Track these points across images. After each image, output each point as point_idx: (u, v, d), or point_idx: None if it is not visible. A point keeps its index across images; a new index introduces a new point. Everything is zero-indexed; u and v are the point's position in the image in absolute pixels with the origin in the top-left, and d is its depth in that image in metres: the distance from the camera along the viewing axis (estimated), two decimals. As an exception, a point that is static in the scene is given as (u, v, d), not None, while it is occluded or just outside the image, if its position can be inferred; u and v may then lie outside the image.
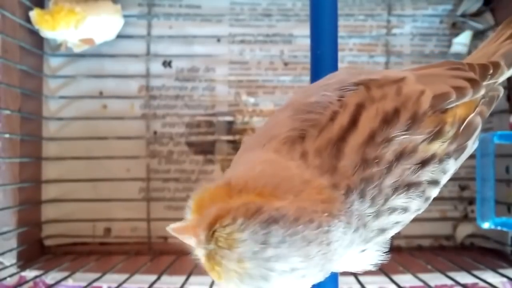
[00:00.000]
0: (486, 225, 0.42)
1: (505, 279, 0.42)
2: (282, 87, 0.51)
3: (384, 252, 0.24)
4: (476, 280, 0.41)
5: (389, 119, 0.23)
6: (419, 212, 0.25)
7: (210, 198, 0.21)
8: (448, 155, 0.25)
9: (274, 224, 0.19)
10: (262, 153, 0.23)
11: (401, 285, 0.39)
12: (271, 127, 0.24)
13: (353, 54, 0.51)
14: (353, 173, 0.21)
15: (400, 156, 0.23)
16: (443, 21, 0.51)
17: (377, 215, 0.22)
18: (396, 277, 0.41)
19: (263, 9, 0.51)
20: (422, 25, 0.51)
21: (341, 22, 0.51)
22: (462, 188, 0.51)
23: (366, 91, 0.24)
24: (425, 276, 0.41)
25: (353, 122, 0.22)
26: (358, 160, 0.22)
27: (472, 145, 0.27)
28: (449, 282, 0.41)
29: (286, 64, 0.51)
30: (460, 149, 0.26)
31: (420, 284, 0.40)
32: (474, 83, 0.26)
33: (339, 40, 0.33)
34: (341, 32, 0.50)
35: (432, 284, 0.40)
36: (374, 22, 0.51)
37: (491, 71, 0.28)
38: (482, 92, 0.27)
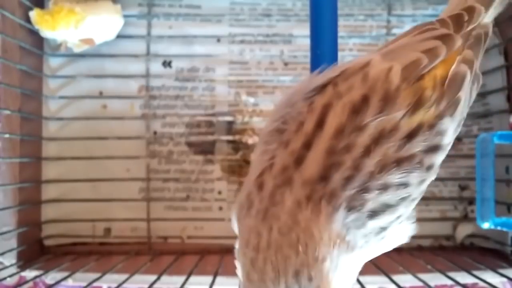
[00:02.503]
0: (486, 225, 0.42)
1: (505, 279, 0.42)
2: (282, 87, 0.51)
3: (412, 223, 0.25)
4: (476, 280, 0.41)
5: (357, 109, 0.22)
6: (428, 182, 0.25)
7: None
8: (439, 117, 0.24)
9: None
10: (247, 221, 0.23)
11: (401, 285, 0.39)
12: (249, 174, 0.24)
13: (353, 54, 0.51)
14: (313, 167, 0.21)
15: (379, 137, 0.22)
16: (443, 21, 0.51)
17: (365, 190, 0.22)
18: (396, 277, 0.41)
19: (263, 9, 0.51)
20: (422, 25, 0.51)
21: (341, 22, 0.51)
22: (462, 188, 0.51)
23: (333, 89, 0.23)
24: (425, 276, 0.41)
25: (319, 124, 0.22)
26: (321, 156, 0.22)
27: (467, 94, 0.26)
28: (449, 282, 0.41)
29: (286, 64, 0.51)
30: (453, 104, 0.25)
31: (420, 284, 0.40)
32: (447, 38, 0.25)
33: (339, 40, 0.33)
34: (341, 32, 0.50)
35: (432, 284, 0.40)
36: (374, 22, 0.51)
37: (466, 18, 0.27)
38: (458, 43, 0.26)
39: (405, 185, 0.23)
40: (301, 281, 0.20)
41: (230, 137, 0.50)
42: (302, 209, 0.21)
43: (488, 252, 0.48)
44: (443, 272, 0.41)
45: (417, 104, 0.23)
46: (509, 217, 0.45)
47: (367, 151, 0.22)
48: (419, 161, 0.23)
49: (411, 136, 0.23)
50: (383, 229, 0.23)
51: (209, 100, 0.51)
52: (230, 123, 0.51)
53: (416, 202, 0.25)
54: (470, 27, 0.27)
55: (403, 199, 0.23)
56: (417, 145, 0.23)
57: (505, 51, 0.48)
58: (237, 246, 0.23)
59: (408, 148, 0.23)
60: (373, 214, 0.22)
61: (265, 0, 0.51)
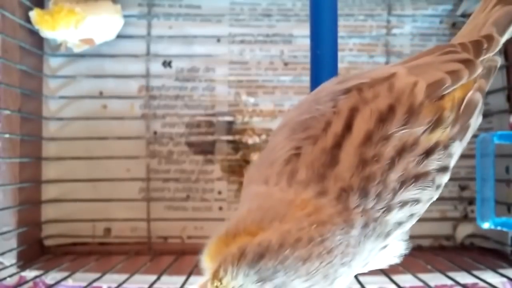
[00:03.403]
0: (486, 225, 0.42)
1: (505, 279, 0.42)
2: (282, 87, 0.51)
3: (406, 241, 0.25)
4: (476, 280, 0.41)
5: (384, 117, 0.23)
6: (432, 201, 0.25)
7: (215, 252, 0.21)
8: (452, 139, 0.25)
9: (260, 260, 0.19)
10: (252, 189, 0.23)
11: (401, 285, 0.40)
12: (270, 152, 0.24)
13: (353, 54, 0.51)
14: (351, 175, 0.21)
15: (402, 150, 0.22)
16: (443, 21, 0.51)
17: (388, 209, 0.22)
18: (396, 277, 0.41)
19: (263, 9, 0.52)
20: (422, 25, 0.51)
21: (341, 22, 0.51)
22: (462, 188, 0.51)
23: (358, 94, 0.24)
24: (425, 276, 0.41)
25: (348, 127, 0.23)
26: (355, 162, 0.22)
27: (475, 122, 0.27)
28: (449, 282, 0.41)
29: (286, 64, 0.51)
30: (464, 129, 0.25)
31: (420, 284, 0.40)
32: (469, 64, 0.26)
33: (339, 40, 0.33)
34: (341, 32, 0.50)
35: (432, 284, 0.40)
36: (374, 22, 0.51)
37: (485, 46, 0.27)
38: (479, 70, 0.26)
39: (417, 201, 0.23)
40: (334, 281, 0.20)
41: (230, 137, 0.50)
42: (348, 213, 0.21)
43: (488, 252, 0.48)
44: (443, 272, 0.41)
45: (436, 123, 0.24)
46: (509, 217, 0.45)
47: (392, 164, 0.22)
48: (432, 179, 0.24)
49: (428, 153, 0.23)
50: (387, 245, 0.24)
51: (209, 100, 0.51)
52: (230, 123, 0.51)
53: (417, 218, 0.25)
54: (488, 55, 0.27)
55: (412, 215, 0.24)
56: (433, 163, 0.24)
57: (505, 52, 0.49)
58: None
59: (425, 165, 0.23)
60: (388, 233, 0.23)
61: (265, 0, 0.51)
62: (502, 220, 0.42)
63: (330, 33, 0.33)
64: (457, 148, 0.25)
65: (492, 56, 0.28)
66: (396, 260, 0.25)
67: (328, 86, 0.26)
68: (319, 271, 0.20)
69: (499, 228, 0.42)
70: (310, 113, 0.24)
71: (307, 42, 0.33)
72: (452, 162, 0.25)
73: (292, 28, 0.51)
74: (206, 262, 0.22)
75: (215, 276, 0.20)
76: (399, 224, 0.23)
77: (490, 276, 0.41)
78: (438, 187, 0.25)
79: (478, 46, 0.27)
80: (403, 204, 0.23)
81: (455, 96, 0.25)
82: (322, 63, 0.32)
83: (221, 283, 0.19)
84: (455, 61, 0.26)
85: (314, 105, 0.24)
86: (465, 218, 0.51)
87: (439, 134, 0.24)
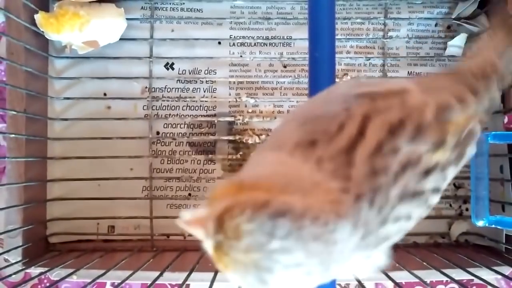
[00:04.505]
0: (480, 223, 0.42)
1: (499, 276, 0.43)
2: (281, 88, 0.52)
3: (388, 255, 0.25)
4: (471, 277, 0.41)
5: (394, 130, 0.23)
6: (420, 220, 0.25)
7: (222, 194, 0.21)
8: (449, 163, 0.25)
9: (281, 217, 0.19)
10: (274, 155, 0.23)
11: (397, 281, 0.40)
12: (280, 135, 0.25)
13: (350, 57, 0.52)
14: (363, 182, 0.22)
15: (406, 166, 0.23)
16: (438, 24, 0.52)
17: (383, 223, 0.22)
18: (392, 274, 0.41)
19: (262, 13, 0.52)
20: (418, 28, 0.52)
21: (338, 25, 0.52)
22: (457, 187, 0.52)
23: (371, 102, 0.24)
24: (420, 273, 0.41)
25: (361, 132, 0.23)
26: (367, 169, 0.22)
27: (470, 151, 0.27)
28: (444, 278, 0.42)
29: (285, 66, 0.52)
30: (460, 156, 0.26)
31: (416, 280, 0.41)
32: (478, 94, 0.27)
33: (337, 43, 0.34)
34: (338, 35, 0.51)
35: (427, 280, 0.41)
36: (371, 25, 0.52)
37: (492, 79, 0.28)
38: (485, 103, 0.27)
39: (409, 218, 0.24)
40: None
41: (230, 137, 0.51)
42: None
43: (482, 250, 0.49)
44: (438, 269, 0.42)
45: (439, 144, 0.24)
46: (503, 215, 0.46)
47: (395, 178, 0.22)
48: (426, 198, 0.24)
49: (427, 172, 0.24)
50: (368, 256, 0.24)
51: (210, 101, 0.52)
52: (231, 124, 0.51)
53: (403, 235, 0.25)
54: (493, 89, 0.28)
55: (399, 231, 0.24)
56: (429, 183, 0.24)
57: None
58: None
59: (423, 183, 0.24)
60: (376, 245, 0.23)
61: (264, 4, 0.52)
62: (497, 218, 0.42)
63: (328, 36, 0.33)
64: (451, 172, 0.26)
65: (493, 91, 0.29)
66: (375, 271, 0.25)
67: (340, 88, 0.26)
68: (321, 256, 0.20)
69: (493, 226, 0.42)
70: (323, 109, 0.24)
71: (305, 44, 0.33)
72: (444, 185, 0.26)
73: (291, 31, 0.52)
74: (209, 201, 0.21)
75: (227, 211, 0.19)
76: (387, 238, 0.24)
77: (485, 273, 0.42)
78: (428, 207, 0.25)
79: (488, 81, 0.28)
80: (397, 219, 0.23)
81: (460, 123, 0.26)
82: (320, 65, 0.33)
83: (232, 221, 0.19)
84: (466, 89, 0.27)
85: (325, 105, 0.25)
86: (460, 216, 0.51)
87: (440, 156, 0.24)
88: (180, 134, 0.51)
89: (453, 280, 0.40)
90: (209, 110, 0.52)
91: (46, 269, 0.44)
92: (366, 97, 0.24)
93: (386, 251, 0.25)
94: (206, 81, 0.52)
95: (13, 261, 0.44)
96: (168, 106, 0.51)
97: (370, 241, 0.22)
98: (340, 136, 0.22)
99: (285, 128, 0.25)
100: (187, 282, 0.41)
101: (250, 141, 0.51)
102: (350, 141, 0.22)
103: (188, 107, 0.51)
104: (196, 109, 0.52)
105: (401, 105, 0.24)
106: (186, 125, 0.51)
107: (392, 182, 0.22)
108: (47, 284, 0.50)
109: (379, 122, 0.23)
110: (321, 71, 0.32)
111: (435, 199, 0.25)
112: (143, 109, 0.51)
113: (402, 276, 0.42)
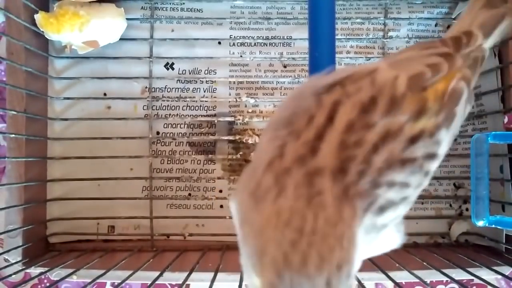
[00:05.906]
0: (480, 223, 0.42)
1: (499, 276, 0.43)
2: (281, 88, 0.52)
3: (401, 234, 0.25)
4: (471, 277, 0.41)
5: (366, 108, 0.24)
6: (422, 187, 0.26)
7: None
8: (438, 127, 0.26)
9: None
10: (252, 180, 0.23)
11: (397, 281, 0.40)
12: (256, 158, 0.25)
13: (351, 57, 0.52)
14: (328, 159, 0.22)
15: (386, 137, 0.23)
16: (438, 24, 0.52)
17: (375, 183, 0.23)
18: (392, 274, 0.41)
19: (262, 13, 0.52)
20: (418, 28, 0.52)
21: (338, 25, 0.52)
22: (457, 187, 0.52)
23: (341, 89, 0.24)
24: (421, 273, 0.41)
25: (330, 119, 0.23)
26: (335, 148, 0.22)
27: (463, 110, 0.28)
28: (444, 278, 0.42)
29: (285, 66, 0.52)
30: (450, 118, 0.26)
31: (416, 280, 0.41)
32: (449, 57, 0.27)
33: (337, 43, 0.34)
34: (338, 35, 0.51)
35: (427, 280, 0.41)
36: (371, 25, 0.52)
37: (464, 41, 0.29)
38: (459, 62, 0.28)
39: (406, 185, 0.24)
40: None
41: (230, 137, 0.51)
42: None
43: (482, 250, 0.49)
44: (438, 269, 0.42)
45: (419, 112, 0.25)
46: (503, 215, 0.46)
47: (375, 148, 0.23)
48: (419, 165, 0.25)
49: (413, 140, 0.24)
50: (384, 226, 0.24)
51: (210, 101, 0.52)
52: (231, 124, 0.51)
53: (410, 205, 0.26)
54: (468, 49, 0.29)
55: (403, 198, 0.25)
56: (419, 150, 0.24)
57: (499, 53, 0.49)
58: (245, 226, 0.22)
59: (411, 151, 0.24)
60: (381, 210, 0.23)
61: (264, 4, 0.52)
62: (497, 218, 0.42)
63: (328, 36, 0.33)
64: (445, 136, 0.26)
65: (480, 47, 0.29)
66: (395, 247, 0.26)
67: (311, 82, 0.27)
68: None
69: (493, 226, 0.42)
70: (293, 109, 0.25)
71: (305, 44, 0.34)
72: (441, 149, 0.26)
73: (291, 31, 0.52)
74: None
75: None
76: (392, 203, 0.24)
77: (485, 273, 0.42)
78: (426, 173, 0.25)
79: (457, 41, 0.29)
80: (391, 184, 0.23)
81: (438, 88, 0.26)
82: (320, 65, 0.33)
83: None
84: (434, 55, 0.27)
85: (296, 101, 0.25)
86: (460, 216, 0.51)
87: (424, 123, 0.25)
88: (180, 134, 0.51)
89: (453, 280, 0.41)
90: (209, 110, 0.52)
91: (46, 269, 0.44)
92: (336, 85, 0.25)
93: (398, 228, 0.25)
94: (206, 81, 0.52)
95: (13, 261, 0.44)
96: (168, 106, 0.51)
97: (370, 201, 0.22)
98: (307, 130, 0.23)
99: (260, 146, 0.25)
100: (187, 282, 0.41)
101: (250, 141, 0.51)
102: (318, 130, 0.23)
103: (188, 107, 0.52)
104: (196, 109, 0.52)
105: (371, 83, 0.25)
106: (186, 125, 0.51)
107: (372, 151, 0.23)
108: (47, 284, 0.50)
109: (350, 105, 0.24)
110: (321, 71, 0.32)
111: (432, 165, 0.26)
112: (143, 109, 0.51)
113: (402, 276, 0.42)
